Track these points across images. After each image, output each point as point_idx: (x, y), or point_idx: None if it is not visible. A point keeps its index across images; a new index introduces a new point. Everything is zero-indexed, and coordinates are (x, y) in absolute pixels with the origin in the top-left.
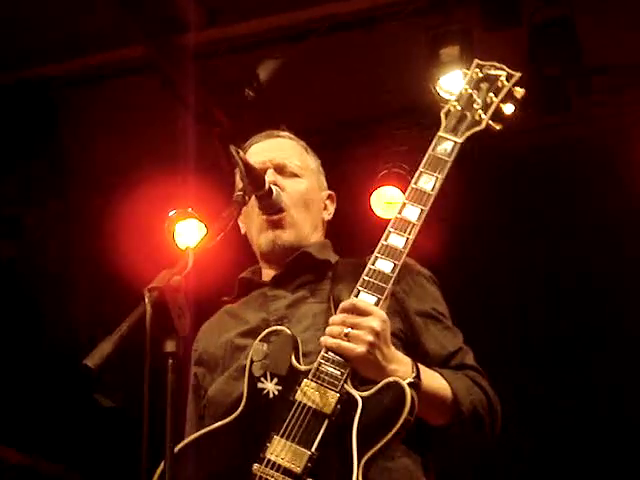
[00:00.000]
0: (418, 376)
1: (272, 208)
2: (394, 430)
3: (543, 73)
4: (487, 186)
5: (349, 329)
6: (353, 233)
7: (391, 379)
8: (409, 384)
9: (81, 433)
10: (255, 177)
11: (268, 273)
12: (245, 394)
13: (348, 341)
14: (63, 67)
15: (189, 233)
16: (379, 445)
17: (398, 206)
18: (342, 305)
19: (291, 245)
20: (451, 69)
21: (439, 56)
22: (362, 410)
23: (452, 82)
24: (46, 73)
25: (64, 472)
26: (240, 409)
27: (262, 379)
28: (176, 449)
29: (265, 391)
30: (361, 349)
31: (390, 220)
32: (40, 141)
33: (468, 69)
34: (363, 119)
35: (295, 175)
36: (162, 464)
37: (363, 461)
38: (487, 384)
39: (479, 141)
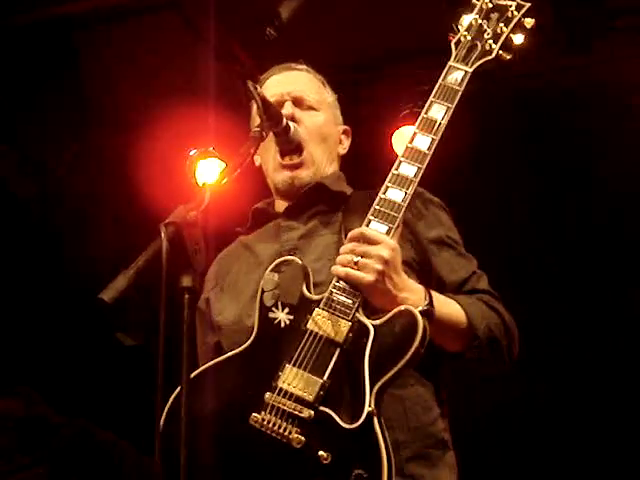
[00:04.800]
0: (431, 303)
1: (289, 144)
2: (406, 358)
3: (564, 13)
4: (503, 126)
5: (359, 257)
6: (374, 172)
7: (403, 307)
8: (422, 312)
9: (99, 372)
10: (273, 113)
11: (282, 205)
12: (256, 324)
13: (358, 270)
14: (83, 6)
15: (210, 172)
16: (391, 373)
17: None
18: (351, 234)
19: (307, 183)
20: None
21: None
22: (374, 338)
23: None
24: (66, 12)
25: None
26: (252, 338)
27: (273, 308)
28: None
29: (277, 320)
30: (370, 277)
31: None
32: (60, 81)
33: None
34: (384, 58)
35: (312, 108)
36: (176, 392)
37: (375, 388)
38: (502, 307)
39: (497, 83)
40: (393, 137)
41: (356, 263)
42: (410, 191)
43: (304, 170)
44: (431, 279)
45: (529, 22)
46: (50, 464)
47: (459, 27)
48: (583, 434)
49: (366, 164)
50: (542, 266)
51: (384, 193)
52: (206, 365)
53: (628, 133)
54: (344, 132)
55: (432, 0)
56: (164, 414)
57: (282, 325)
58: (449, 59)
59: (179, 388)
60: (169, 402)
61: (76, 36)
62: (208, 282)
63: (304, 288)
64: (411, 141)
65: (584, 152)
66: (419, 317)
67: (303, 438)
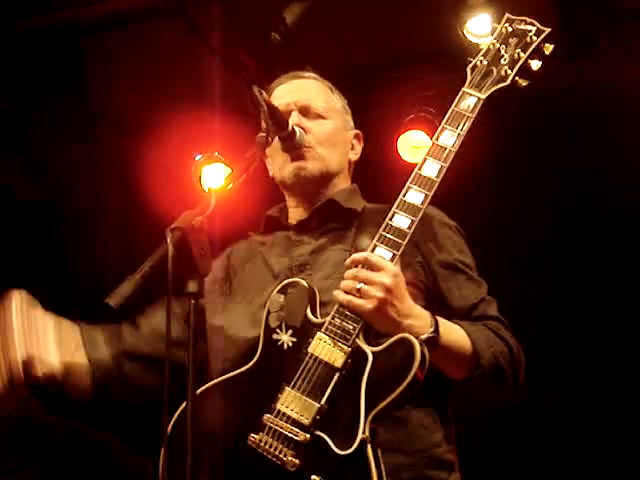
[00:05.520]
0: (436, 330)
1: (296, 149)
2: (402, 386)
3: (572, 16)
4: (515, 130)
5: (361, 284)
6: (379, 177)
7: (402, 335)
8: (426, 339)
9: None
10: (278, 118)
11: (295, 213)
12: (261, 344)
13: (360, 297)
14: (90, 11)
15: (216, 177)
16: (387, 401)
17: (419, 162)
18: (353, 257)
19: (314, 176)
20: (479, 12)
21: None
22: (372, 365)
23: (479, 25)
24: (73, 17)
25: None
26: (255, 359)
27: (278, 330)
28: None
29: (280, 342)
30: (371, 305)
31: (416, 165)
32: (67, 84)
33: (498, 21)
34: (389, 63)
35: (320, 116)
36: (182, 407)
37: (370, 416)
38: (509, 335)
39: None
40: (398, 142)
41: (359, 290)
42: (416, 218)
43: (309, 161)
44: (439, 302)
45: (548, 47)
46: (41, 465)
47: (465, 33)
48: (592, 442)
49: (372, 169)
50: (555, 270)
51: (391, 219)
52: (210, 383)
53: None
54: (355, 137)
55: (436, 5)
56: (170, 427)
57: (285, 347)
58: (462, 71)
59: (185, 404)
60: (174, 418)
61: (82, 41)
62: (216, 271)
63: (308, 311)
64: (420, 167)
65: (592, 157)
66: (417, 346)
67: (297, 461)
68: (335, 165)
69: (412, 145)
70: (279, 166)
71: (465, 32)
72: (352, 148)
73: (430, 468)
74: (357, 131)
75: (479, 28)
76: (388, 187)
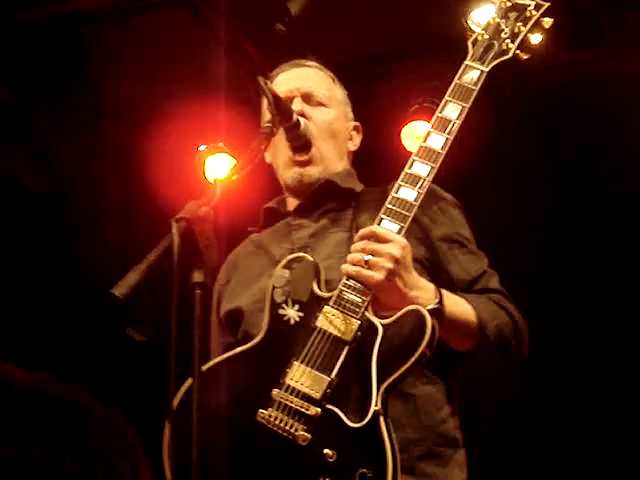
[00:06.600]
0: (441, 302)
1: (300, 140)
2: (414, 357)
3: (575, 6)
4: (518, 121)
5: (369, 256)
6: (383, 167)
7: (412, 307)
8: (431, 310)
9: (107, 368)
10: (283, 109)
11: (293, 203)
12: (266, 320)
13: (368, 268)
14: (94, 1)
15: (220, 167)
16: (398, 372)
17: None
18: (361, 232)
19: (317, 180)
20: (483, 2)
21: None
22: (382, 337)
23: (484, 16)
24: (77, 8)
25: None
26: (262, 334)
27: (284, 305)
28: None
29: (286, 317)
30: (380, 276)
31: None
32: (70, 76)
33: None
34: (394, 54)
35: (322, 104)
36: (186, 384)
37: (382, 388)
38: (513, 307)
39: (511, 76)
40: (402, 132)
41: (367, 262)
42: (423, 190)
43: (313, 167)
44: (442, 277)
45: (547, 22)
46: (16, 440)
47: (469, 23)
48: (596, 431)
49: (375, 159)
50: (557, 262)
51: (396, 192)
52: (216, 360)
53: None
54: (355, 128)
55: None
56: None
57: (292, 322)
58: (465, 57)
59: (189, 382)
60: (179, 394)
61: (86, 32)
62: (220, 281)
63: (314, 285)
64: (425, 140)
65: (595, 148)
66: (428, 317)
67: (309, 435)
68: (335, 159)
69: (416, 135)
70: (282, 164)
71: (469, 22)
72: (351, 139)
73: (438, 444)
74: (356, 123)
75: (484, 19)
76: (392, 177)
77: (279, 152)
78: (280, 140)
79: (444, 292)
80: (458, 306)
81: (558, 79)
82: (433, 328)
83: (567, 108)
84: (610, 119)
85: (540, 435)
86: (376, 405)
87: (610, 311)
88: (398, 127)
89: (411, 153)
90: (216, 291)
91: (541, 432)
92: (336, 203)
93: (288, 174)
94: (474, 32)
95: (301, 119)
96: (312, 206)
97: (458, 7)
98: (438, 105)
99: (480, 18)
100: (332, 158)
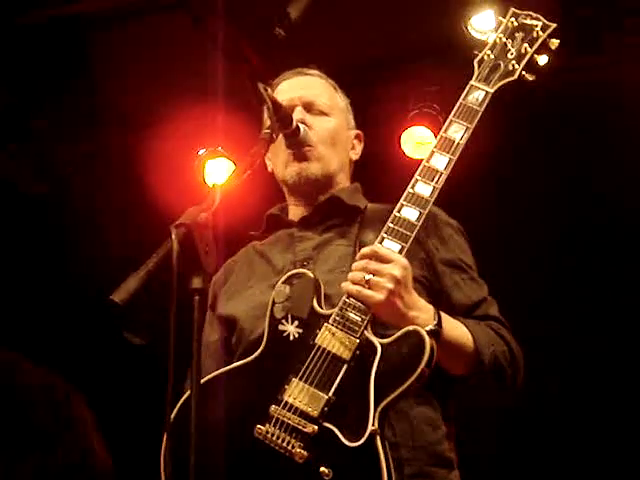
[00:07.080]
0: (439, 324)
1: (300, 147)
2: (412, 378)
3: (575, 13)
4: (519, 126)
5: (370, 276)
6: (383, 173)
7: (411, 327)
8: (429, 331)
9: (104, 372)
10: (283, 115)
11: (295, 212)
12: (265, 335)
13: (369, 288)
14: (94, 4)
15: (219, 172)
16: (396, 393)
17: (426, 154)
18: (362, 251)
19: (316, 178)
20: (483, 8)
21: None
22: (381, 357)
23: (484, 22)
24: (78, 11)
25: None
26: (260, 350)
27: (283, 321)
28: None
29: (285, 333)
30: (381, 297)
31: (420, 160)
32: (71, 78)
33: (503, 16)
34: (393, 59)
35: (323, 113)
36: (184, 397)
37: (380, 407)
38: (510, 336)
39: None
40: (402, 137)
41: (367, 281)
42: (425, 211)
43: (312, 163)
44: (441, 300)
45: (554, 43)
46: None
47: (469, 29)
48: (596, 431)
49: (375, 165)
50: (557, 262)
51: (399, 211)
52: (214, 373)
53: None
54: (356, 137)
55: (441, 1)
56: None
57: (291, 338)
58: (465, 65)
59: (188, 393)
60: (177, 407)
61: (88, 35)
62: (216, 284)
63: (315, 302)
64: (428, 160)
65: (595, 154)
66: (427, 337)
67: (306, 453)
68: (336, 165)
69: (416, 141)
70: (281, 164)
71: (469, 28)
72: (352, 148)
73: (431, 465)
74: (358, 131)
75: (483, 24)
76: (392, 182)
77: (279, 156)
78: (280, 146)
79: (443, 314)
80: (456, 329)
81: (558, 85)
82: (432, 348)
83: (566, 114)
84: (610, 125)
85: (540, 435)
86: (373, 425)
87: (610, 311)
88: (398, 132)
89: (410, 158)
90: (211, 291)
91: (541, 432)
92: (341, 219)
93: (288, 171)
94: (477, 42)
95: (301, 125)
96: (317, 219)
97: (457, 12)
98: (437, 110)
99: (480, 24)
100: (332, 161)
